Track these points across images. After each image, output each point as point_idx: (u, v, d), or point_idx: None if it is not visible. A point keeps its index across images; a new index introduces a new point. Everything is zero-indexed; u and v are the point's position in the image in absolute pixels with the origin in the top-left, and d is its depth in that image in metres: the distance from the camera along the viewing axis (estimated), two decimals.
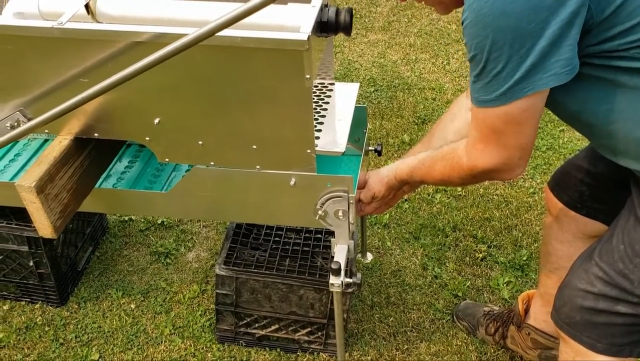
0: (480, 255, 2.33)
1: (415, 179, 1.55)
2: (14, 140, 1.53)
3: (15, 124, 1.58)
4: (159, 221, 2.42)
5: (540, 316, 1.89)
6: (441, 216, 2.49)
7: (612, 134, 1.24)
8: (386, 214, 2.49)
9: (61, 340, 1.98)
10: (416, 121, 3.04)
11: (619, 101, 1.18)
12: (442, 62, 3.57)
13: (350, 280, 1.60)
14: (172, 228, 2.40)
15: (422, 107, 3.15)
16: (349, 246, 1.66)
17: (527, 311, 1.93)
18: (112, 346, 1.96)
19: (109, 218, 2.41)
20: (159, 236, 2.37)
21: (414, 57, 3.62)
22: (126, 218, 2.43)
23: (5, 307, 2.08)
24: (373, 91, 3.30)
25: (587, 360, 1.35)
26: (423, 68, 3.51)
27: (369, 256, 2.32)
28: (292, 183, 1.58)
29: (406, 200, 2.56)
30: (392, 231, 2.42)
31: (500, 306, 2.12)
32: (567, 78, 1.11)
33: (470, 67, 1.19)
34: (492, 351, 1.99)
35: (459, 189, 2.63)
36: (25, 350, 1.95)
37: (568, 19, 1.04)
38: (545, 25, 1.05)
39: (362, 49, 3.72)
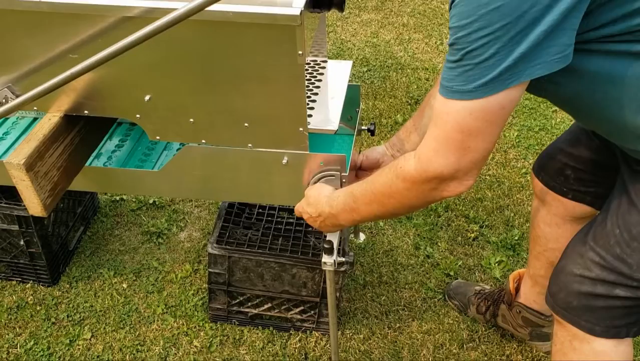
0: (472, 235, 2.34)
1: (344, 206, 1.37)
2: (3, 117, 1.51)
3: (4, 100, 1.56)
4: (151, 201, 2.41)
5: (530, 296, 1.90)
6: None
7: (606, 119, 1.18)
8: None
9: (53, 319, 1.97)
10: (409, 102, 3.02)
11: (616, 87, 1.09)
12: (435, 42, 3.55)
13: (343, 259, 1.60)
14: (164, 207, 2.39)
15: (416, 87, 3.13)
16: None
17: (517, 290, 1.95)
18: (104, 325, 1.96)
19: (100, 198, 2.39)
20: (150, 215, 2.36)
21: (407, 37, 3.59)
22: (117, 198, 2.42)
23: None
24: (366, 71, 3.27)
25: (584, 342, 1.35)
26: (416, 48, 3.49)
27: (362, 236, 2.32)
28: (284, 161, 1.57)
29: None
30: None
31: (491, 286, 2.13)
32: (557, 66, 0.99)
33: (449, 52, 1.04)
34: (483, 329, 2.01)
35: None
36: (17, 329, 1.94)
37: (573, 3, 0.93)
38: (547, 9, 0.92)
39: (355, 29, 3.69)
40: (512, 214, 2.43)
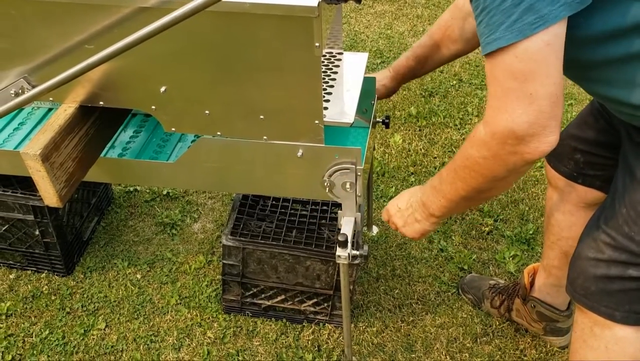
0: (487, 229, 2.32)
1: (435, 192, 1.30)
2: (19, 107, 1.51)
3: (20, 91, 1.56)
4: (164, 192, 2.41)
5: (544, 289, 1.89)
6: None
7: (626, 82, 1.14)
8: (392, 187, 2.48)
9: (68, 309, 1.99)
10: (423, 94, 3.00)
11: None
12: None
13: (357, 252, 1.59)
14: (178, 199, 2.40)
15: (429, 79, 3.11)
16: (355, 218, 1.65)
17: (532, 284, 1.93)
18: (118, 315, 1.97)
19: (114, 188, 2.40)
20: (164, 207, 2.36)
21: (421, 29, 3.56)
22: (131, 189, 2.42)
23: (12, 276, 2.08)
24: (380, 63, 3.25)
25: (605, 328, 1.34)
26: None
27: (375, 229, 2.31)
28: (299, 154, 1.56)
29: (412, 173, 2.55)
30: None
31: (505, 280, 2.12)
32: (578, 7, 0.97)
33: (474, 14, 1.05)
34: (497, 324, 2.00)
35: None
36: (32, 318, 1.96)
37: None
38: None
39: (368, 20, 3.66)
40: (527, 208, 2.41)
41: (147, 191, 2.42)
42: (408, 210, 1.40)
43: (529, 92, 1.00)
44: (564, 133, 1.64)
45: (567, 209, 1.72)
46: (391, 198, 2.43)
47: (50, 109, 2.00)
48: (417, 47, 1.73)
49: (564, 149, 1.65)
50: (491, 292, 2.03)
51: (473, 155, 1.13)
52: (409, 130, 2.76)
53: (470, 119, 2.86)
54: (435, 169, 2.57)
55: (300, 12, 1.24)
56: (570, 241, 1.68)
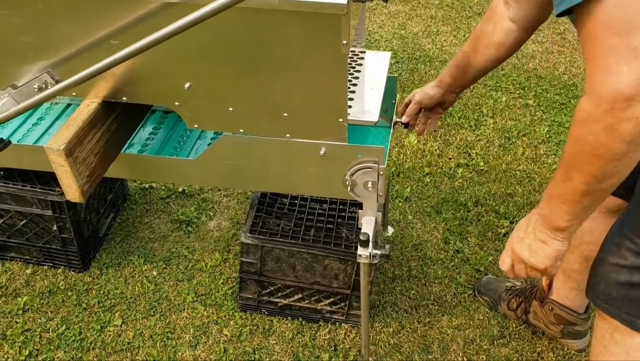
0: (503, 230, 2.31)
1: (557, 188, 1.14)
2: (42, 102, 1.51)
3: (43, 85, 1.56)
4: (180, 189, 2.41)
5: (563, 292, 1.88)
6: (463, 191, 2.47)
7: None
8: (407, 187, 2.47)
9: (84, 305, 1.98)
10: None
11: None
12: (464, 35, 3.50)
13: (378, 252, 1.59)
14: (193, 196, 2.39)
15: None
16: (376, 217, 1.64)
17: (550, 286, 1.92)
18: (134, 312, 1.97)
19: (130, 185, 2.40)
20: (179, 204, 2.36)
21: (435, 30, 3.55)
22: (147, 186, 2.42)
23: (28, 271, 2.09)
24: (394, 63, 3.25)
25: (626, 335, 1.33)
26: (444, 41, 3.45)
27: (390, 230, 2.30)
28: (321, 152, 1.56)
29: (428, 174, 2.54)
30: (414, 205, 2.40)
31: (522, 282, 2.11)
32: None
33: None
34: (514, 326, 1.99)
35: (481, 163, 2.60)
36: (49, 314, 1.96)
37: None
38: None
39: (382, 20, 3.66)
40: None
41: (163, 188, 2.42)
42: (529, 235, 1.23)
43: (633, 45, 0.90)
44: None
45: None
46: (406, 198, 2.43)
47: (68, 105, 2.00)
48: (457, 54, 1.72)
49: None
50: (508, 294, 2.02)
51: (582, 135, 1.00)
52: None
53: (485, 120, 2.85)
54: (450, 170, 2.56)
55: (329, 9, 1.23)
56: (591, 245, 1.67)
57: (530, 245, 1.23)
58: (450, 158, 2.62)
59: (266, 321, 1.96)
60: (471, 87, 3.06)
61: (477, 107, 2.92)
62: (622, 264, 1.31)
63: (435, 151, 2.65)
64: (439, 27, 3.57)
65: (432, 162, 2.59)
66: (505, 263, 1.32)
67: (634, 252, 1.28)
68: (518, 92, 3.05)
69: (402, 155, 2.62)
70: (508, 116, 2.88)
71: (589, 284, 1.41)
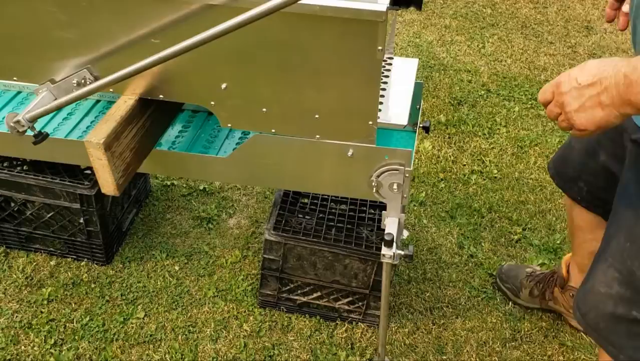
0: (515, 237, 2.36)
1: None
2: (81, 98, 1.56)
3: (82, 81, 1.61)
4: (201, 187, 2.46)
5: (580, 280, 1.93)
6: (477, 197, 2.52)
7: None
8: (422, 192, 2.52)
9: (107, 297, 2.03)
10: (452, 102, 3.05)
11: None
12: (477, 46, 3.56)
13: (402, 252, 1.63)
14: (214, 194, 2.44)
15: (458, 88, 3.16)
16: (399, 219, 1.69)
17: (568, 273, 2.00)
18: (157, 305, 2.01)
19: (152, 182, 2.45)
20: (200, 201, 2.41)
21: (449, 39, 3.61)
22: (168, 183, 2.47)
23: (52, 263, 2.13)
24: None
25: None
26: (458, 50, 3.51)
27: (405, 233, 2.33)
28: (349, 153, 1.61)
29: (442, 179, 2.59)
30: (428, 209, 2.45)
31: (541, 267, 2.18)
32: None
33: None
34: (526, 330, 2.03)
35: (495, 171, 2.65)
36: (73, 305, 2.00)
37: None
38: None
39: (397, 28, 3.72)
40: (554, 219, 2.44)
41: (184, 185, 2.46)
42: (594, 88, 1.00)
43: None
44: (569, 157, 1.69)
45: (585, 216, 1.77)
46: (421, 202, 2.48)
47: (97, 101, 2.05)
48: None
49: (568, 173, 1.70)
50: (529, 281, 2.08)
51: None
52: (439, 137, 2.81)
53: (498, 129, 2.90)
54: (465, 176, 2.61)
55: (368, 15, 1.29)
56: (594, 242, 1.64)
57: (585, 99, 1.01)
58: (464, 165, 2.67)
59: (285, 318, 2.01)
60: (485, 96, 3.12)
61: (491, 116, 2.97)
62: (609, 293, 1.31)
63: (450, 157, 2.70)
64: (453, 37, 3.63)
65: (447, 168, 2.64)
66: (545, 94, 1.10)
67: (618, 280, 1.29)
68: (530, 102, 3.10)
69: (417, 160, 2.67)
70: (521, 126, 2.94)
71: (580, 310, 1.41)
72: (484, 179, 2.60)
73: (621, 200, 1.33)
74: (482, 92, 3.15)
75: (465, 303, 2.11)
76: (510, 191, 2.56)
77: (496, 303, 2.11)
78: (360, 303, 1.97)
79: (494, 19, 3.84)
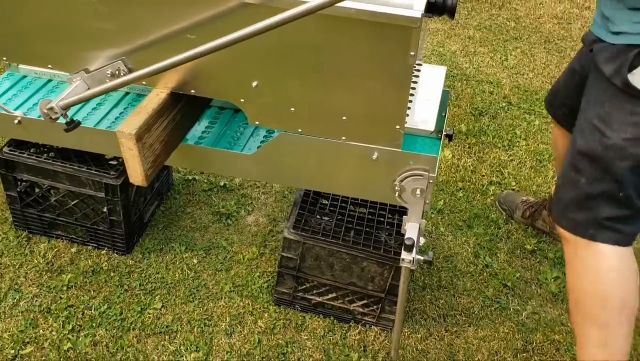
0: (530, 248, 2.37)
1: None
2: (115, 89, 1.59)
3: (117, 72, 1.64)
4: (221, 184, 2.49)
5: None
6: (494, 208, 2.53)
7: None
8: (441, 200, 2.54)
9: (126, 287, 2.06)
10: (473, 112, 3.06)
11: None
12: (500, 58, 3.57)
13: (421, 257, 1.65)
14: (234, 191, 2.47)
15: (480, 99, 3.17)
16: (420, 224, 1.71)
17: None
18: (174, 297, 2.04)
19: (174, 176, 2.48)
20: (220, 197, 2.44)
21: (472, 50, 3.62)
22: (190, 177, 2.50)
23: (73, 250, 2.16)
24: None
25: (587, 250, 1.60)
26: (481, 61, 3.52)
27: (422, 240, 2.36)
28: (374, 156, 1.62)
29: (461, 189, 2.60)
30: (446, 218, 2.47)
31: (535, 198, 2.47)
32: None
33: None
34: (538, 341, 2.04)
35: (513, 183, 2.66)
36: (92, 292, 2.03)
37: None
38: None
39: None
40: None
41: (205, 180, 2.49)
42: None
43: None
44: (556, 86, 2.03)
45: (567, 138, 1.99)
46: (439, 210, 2.50)
47: (127, 93, 2.08)
48: None
49: (556, 102, 2.03)
50: (523, 204, 2.43)
51: None
52: (459, 146, 2.82)
53: (518, 141, 2.91)
54: (483, 187, 2.62)
55: (403, 21, 1.31)
56: None
57: None
58: (483, 175, 2.68)
59: (299, 317, 2.02)
60: (506, 108, 3.13)
61: (511, 129, 2.98)
62: (568, 176, 1.61)
63: (469, 167, 2.71)
64: (477, 48, 3.65)
65: (466, 178, 2.65)
66: None
67: (583, 173, 1.57)
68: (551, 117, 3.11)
69: (437, 168, 2.68)
70: (540, 140, 2.94)
71: (552, 208, 1.73)
72: (502, 191, 2.61)
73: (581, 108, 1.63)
74: (504, 104, 3.16)
75: (478, 312, 2.12)
76: None
77: (509, 313, 2.12)
78: (375, 307, 1.98)
79: (518, 33, 3.85)
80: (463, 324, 2.08)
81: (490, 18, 4.00)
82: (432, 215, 2.47)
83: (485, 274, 2.26)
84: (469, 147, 2.83)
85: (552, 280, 2.26)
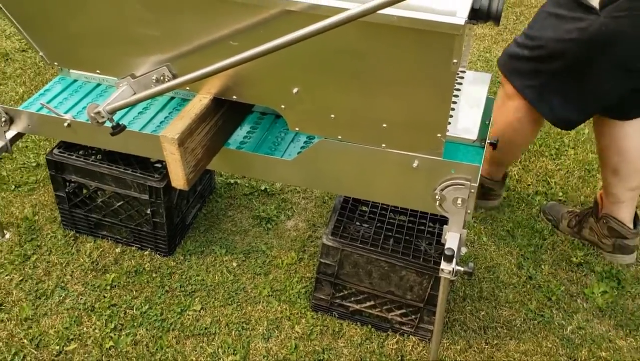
0: (577, 261, 2.29)
1: None
2: (159, 94, 1.63)
3: (161, 78, 1.68)
4: (262, 188, 2.50)
5: (609, 206, 2.25)
6: (539, 218, 2.46)
7: None
8: (481, 209, 2.49)
9: (167, 288, 2.09)
10: None
11: None
12: None
13: (461, 268, 1.62)
14: (274, 195, 2.48)
15: None
16: (461, 234, 1.68)
17: (603, 201, 2.28)
18: (213, 299, 2.06)
19: (217, 179, 2.51)
20: (261, 201, 2.45)
21: None
22: (232, 181, 2.53)
23: (117, 250, 2.22)
24: None
25: (514, 100, 2.09)
26: None
27: (463, 250, 2.31)
28: (414, 165, 1.61)
29: (505, 198, 2.55)
30: (489, 227, 2.41)
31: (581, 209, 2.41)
32: None
33: None
34: (583, 358, 1.97)
35: (560, 193, 2.58)
36: (134, 292, 2.08)
37: None
38: None
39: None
40: None
41: (247, 184, 2.52)
42: None
43: None
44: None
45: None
46: (482, 219, 2.45)
47: (172, 97, 2.12)
48: None
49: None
50: (568, 214, 2.39)
51: None
52: None
53: (566, 150, 2.83)
54: (528, 196, 2.56)
55: (446, 28, 1.29)
56: (615, 157, 2.13)
57: None
58: (528, 185, 2.62)
59: (336, 324, 2.02)
60: None
61: (559, 137, 2.90)
62: (517, 41, 2.05)
63: (515, 176, 2.65)
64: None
65: (511, 187, 2.60)
66: None
67: (524, 34, 2.02)
68: None
69: (478, 177, 2.63)
70: (590, 149, 2.85)
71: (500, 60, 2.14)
72: (548, 201, 2.54)
73: None
74: None
75: (520, 325, 2.07)
76: None
77: (553, 327, 2.06)
78: (413, 316, 1.96)
79: None
80: (504, 337, 2.03)
81: None
82: (475, 224, 2.42)
83: (528, 286, 2.20)
84: None
85: (599, 294, 2.18)
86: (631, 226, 2.24)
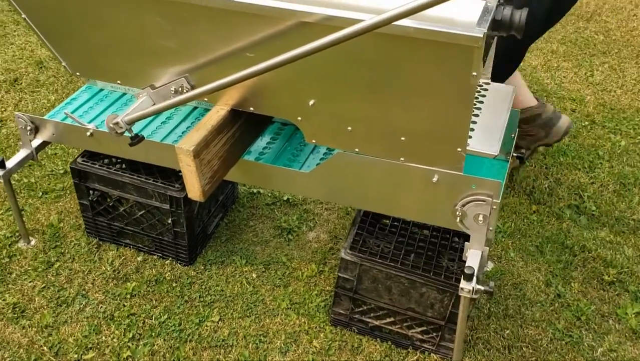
0: (609, 279, 2.20)
1: None
2: (178, 105, 1.62)
3: (180, 89, 1.68)
4: (285, 198, 2.48)
5: None
6: (570, 234, 2.37)
7: None
8: (512, 223, 2.41)
9: (186, 298, 2.09)
10: None
11: None
12: (585, 73, 3.38)
13: (482, 287, 1.56)
14: (297, 206, 2.46)
15: None
16: (482, 252, 1.62)
17: None
18: (231, 311, 2.05)
19: (239, 189, 2.50)
20: (283, 212, 2.43)
21: (555, 65, 3.45)
22: (254, 191, 2.52)
23: (139, 258, 2.22)
24: None
25: None
26: (564, 77, 3.34)
27: (490, 265, 2.25)
28: (434, 179, 1.56)
29: (535, 212, 2.47)
30: (517, 242, 2.34)
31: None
32: None
33: None
34: None
35: (593, 207, 2.49)
36: (154, 302, 2.08)
37: None
38: None
39: None
40: None
41: (269, 195, 2.50)
42: None
43: None
44: None
45: None
46: (510, 234, 2.37)
47: (195, 108, 2.12)
48: None
49: None
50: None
51: None
52: (535, 167, 2.68)
53: (600, 163, 2.73)
54: (560, 210, 2.47)
55: (465, 40, 1.24)
56: None
57: None
58: (560, 198, 2.53)
59: (355, 339, 1.97)
60: (589, 127, 2.95)
61: (593, 149, 2.80)
62: None
63: (546, 189, 2.57)
64: (560, 63, 3.47)
65: (541, 201, 2.51)
66: None
67: None
68: (639, 137, 2.90)
69: (509, 189, 2.56)
70: (626, 162, 2.75)
71: None
72: (580, 215, 2.45)
73: None
74: (586, 122, 2.98)
75: (547, 345, 1.99)
76: (607, 230, 2.39)
77: (582, 349, 1.97)
78: (434, 334, 1.90)
79: (606, 47, 3.63)
80: (530, 357, 1.95)
81: (576, 31, 3.79)
82: (503, 239, 2.35)
83: (556, 304, 2.12)
84: (546, 168, 2.68)
85: (633, 315, 2.09)
86: (535, 101, 2.38)
